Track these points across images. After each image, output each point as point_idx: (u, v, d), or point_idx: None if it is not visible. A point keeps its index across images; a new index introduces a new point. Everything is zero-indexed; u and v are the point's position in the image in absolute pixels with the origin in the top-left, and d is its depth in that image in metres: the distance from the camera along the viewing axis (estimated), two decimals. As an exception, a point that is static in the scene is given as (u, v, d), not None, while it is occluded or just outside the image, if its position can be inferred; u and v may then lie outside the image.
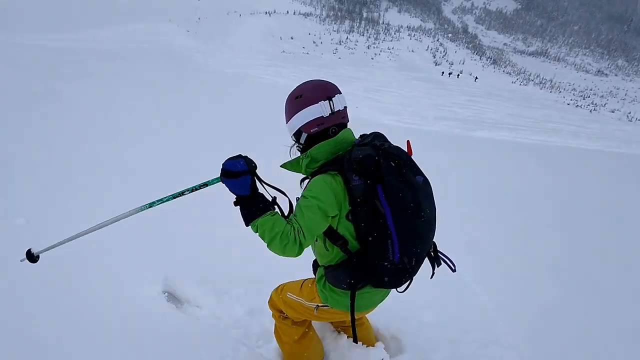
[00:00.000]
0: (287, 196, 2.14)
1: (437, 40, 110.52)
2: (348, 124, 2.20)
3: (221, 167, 1.89)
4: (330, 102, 2.03)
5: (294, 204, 2.07)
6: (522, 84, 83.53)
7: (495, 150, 14.54)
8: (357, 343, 2.78)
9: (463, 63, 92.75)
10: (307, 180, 2.11)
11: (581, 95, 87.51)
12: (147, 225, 3.97)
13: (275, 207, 1.98)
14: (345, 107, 2.15)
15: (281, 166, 2.14)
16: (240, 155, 1.95)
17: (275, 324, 2.79)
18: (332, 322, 3.10)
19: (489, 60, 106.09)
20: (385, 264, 1.94)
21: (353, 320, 2.32)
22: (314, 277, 2.43)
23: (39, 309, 2.97)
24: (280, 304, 2.62)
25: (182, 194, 2.07)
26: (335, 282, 2.15)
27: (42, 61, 17.56)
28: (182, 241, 4.36)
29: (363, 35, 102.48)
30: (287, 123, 2.13)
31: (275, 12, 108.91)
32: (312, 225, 1.89)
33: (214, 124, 10.91)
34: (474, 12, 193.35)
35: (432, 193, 2.07)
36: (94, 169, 6.06)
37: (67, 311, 3.00)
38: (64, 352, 2.61)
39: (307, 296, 2.41)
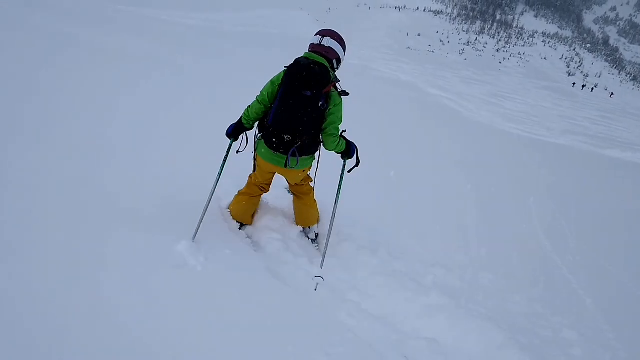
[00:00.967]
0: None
1: (574, 49, 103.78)
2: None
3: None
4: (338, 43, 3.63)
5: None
6: (665, 105, 76.43)
7: (628, 172, 13.61)
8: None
9: (599, 76, 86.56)
10: None
11: None
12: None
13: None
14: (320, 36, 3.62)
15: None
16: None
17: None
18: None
19: (628, 76, 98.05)
20: (267, 124, 3.44)
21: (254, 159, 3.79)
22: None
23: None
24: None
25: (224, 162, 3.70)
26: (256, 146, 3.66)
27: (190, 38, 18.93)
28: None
29: (494, 37, 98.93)
30: (344, 53, 3.70)
31: (405, 7, 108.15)
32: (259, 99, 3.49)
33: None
34: (617, 23, 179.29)
35: (307, 104, 3.29)
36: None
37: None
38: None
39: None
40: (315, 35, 3.60)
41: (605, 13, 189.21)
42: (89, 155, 4.29)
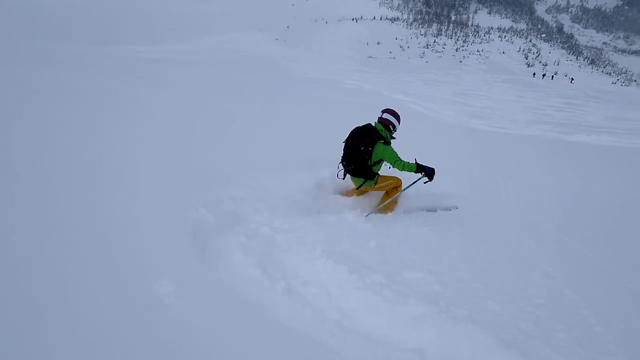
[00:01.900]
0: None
1: (530, 41, 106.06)
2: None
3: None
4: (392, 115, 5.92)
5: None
6: (623, 84, 78.53)
7: (594, 155, 13.86)
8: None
9: (558, 64, 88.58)
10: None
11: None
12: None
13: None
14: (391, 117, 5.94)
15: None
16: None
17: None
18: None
19: (586, 60, 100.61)
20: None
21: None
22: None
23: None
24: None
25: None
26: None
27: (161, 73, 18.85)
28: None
29: (451, 38, 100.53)
30: (398, 123, 5.95)
31: (362, 18, 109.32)
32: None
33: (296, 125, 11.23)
34: (569, 10, 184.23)
35: (356, 142, 5.70)
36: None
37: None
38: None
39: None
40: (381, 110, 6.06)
41: (557, 2, 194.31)
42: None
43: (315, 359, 3.02)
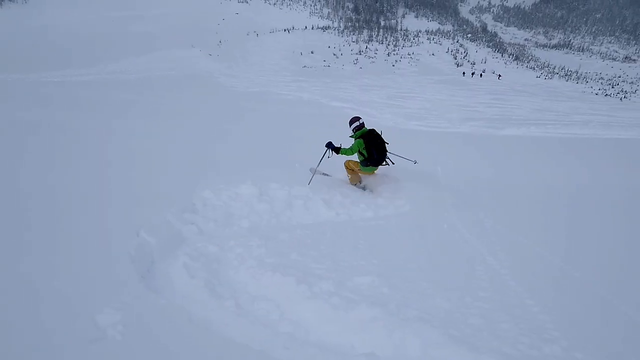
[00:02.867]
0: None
1: (457, 41, 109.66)
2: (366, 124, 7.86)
3: (327, 145, 7.76)
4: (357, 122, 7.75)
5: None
6: (546, 77, 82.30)
7: (525, 146, 14.46)
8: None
9: (485, 62, 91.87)
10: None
11: (609, 84, 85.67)
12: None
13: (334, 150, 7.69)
14: (361, 121, 7.81)
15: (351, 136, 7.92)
16: (329, 142, 7.76)
17: (346, 170, 8.27)
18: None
19: (511, 57, 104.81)
20: (371, 157, 7.57)
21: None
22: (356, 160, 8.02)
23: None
24: (348, 165, 8.17)
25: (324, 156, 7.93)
26: (363, 165, 7.80)
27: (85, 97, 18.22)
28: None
29: (382, 43, 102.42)
30: (350, 125, 7.87)
31: (293, 28, 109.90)
32: (355, 150, 7.55)
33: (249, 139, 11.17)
34: (491, 10, 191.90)
35: (382, 143, 7.65)
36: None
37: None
38: None
39: (354, 165, 8.06)
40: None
41: (479, 2, 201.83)
42: None
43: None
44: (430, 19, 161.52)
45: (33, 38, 71.02)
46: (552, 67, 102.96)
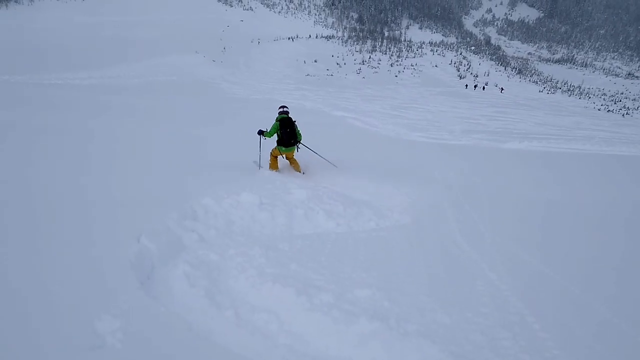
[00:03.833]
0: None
1: (460, 53, 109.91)
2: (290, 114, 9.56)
3: (259, 131, 9.49)
4: (282, 108, 9.61)
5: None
6: (549, 92, 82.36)
7: (526, 160, 14.45)
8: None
9: (488, 75, 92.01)
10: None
11: (612, 100, 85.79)
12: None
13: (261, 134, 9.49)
14: (286, 108, 9.61)
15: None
16: (260, 130, 9.45)
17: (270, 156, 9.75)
18: (285, 158, 9.91)
19: (514, 70, 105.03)
20: (282, 138, 9.24)
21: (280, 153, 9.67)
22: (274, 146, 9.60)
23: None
24: (272, 152, 9.70)
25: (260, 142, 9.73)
26: (277, 144, 9.42)
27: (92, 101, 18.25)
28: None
29: (385, 53, 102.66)
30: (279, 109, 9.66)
31: (297, 37, 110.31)
32: (273, 131, 9.28)
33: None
34: (495, 23, 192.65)
35: (292, 130, 9.25)
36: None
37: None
38: None
39: (275, 151, 9.61)
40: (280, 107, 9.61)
41: (483, 15, 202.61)
42: None
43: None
44: (434, 30, 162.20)
45: (37, 40, 71.20)
46: (555, 81, 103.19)
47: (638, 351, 3.67)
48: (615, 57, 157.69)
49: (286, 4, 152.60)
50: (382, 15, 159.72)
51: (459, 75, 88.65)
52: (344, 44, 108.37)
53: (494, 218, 7.23)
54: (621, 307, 4.26)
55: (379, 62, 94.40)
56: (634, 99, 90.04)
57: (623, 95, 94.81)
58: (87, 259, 4.15)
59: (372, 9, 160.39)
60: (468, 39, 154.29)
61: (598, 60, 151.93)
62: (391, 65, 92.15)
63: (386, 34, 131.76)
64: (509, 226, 6.91)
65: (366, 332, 3.56)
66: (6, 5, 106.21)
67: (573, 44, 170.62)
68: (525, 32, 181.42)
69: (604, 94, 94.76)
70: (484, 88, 70.62)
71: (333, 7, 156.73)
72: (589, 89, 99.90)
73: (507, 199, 8.76)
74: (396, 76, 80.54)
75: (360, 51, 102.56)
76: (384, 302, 4.06)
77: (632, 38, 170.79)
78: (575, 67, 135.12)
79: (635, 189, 10.45)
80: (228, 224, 6.05)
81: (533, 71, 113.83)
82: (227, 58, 78.70)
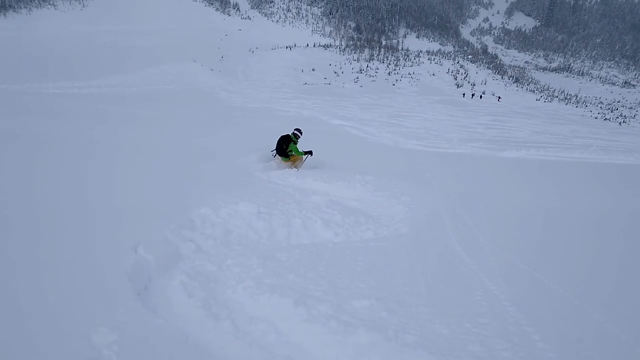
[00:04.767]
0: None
1: (458, 62, 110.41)
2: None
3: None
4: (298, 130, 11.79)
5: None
6: (546, 100, 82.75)
7: (524, 168, 14.47)
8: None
9: (485, 83, 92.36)
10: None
11: (609, 108, 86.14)
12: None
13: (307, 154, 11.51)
14: (295, 130, 11.78)
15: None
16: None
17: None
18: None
19: (511, 79, 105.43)
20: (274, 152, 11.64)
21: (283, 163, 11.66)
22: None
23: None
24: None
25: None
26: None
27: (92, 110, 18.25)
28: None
29: (383, 62, 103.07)
30: (300, 134, 11.81)
31: (295, 46, 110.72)
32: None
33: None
34: (492, 32, 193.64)
35: (281, 146, 11.40)
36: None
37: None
38: None
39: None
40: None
41: (480, 24, 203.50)
42: None
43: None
44: (431, 39, 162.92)
45: (35, 49, 71.34)
46: (552, 90, 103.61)
47: (638, 362, 3.66)
48: (612, 65, 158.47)
49: (284, 13, 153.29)
50: (379, 24, 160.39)
51: (456, 84, 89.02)
52: (342, 53, 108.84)
53: (492, 227, 7.22)
54: (621, 317, 4.24)
55: (377, 70, 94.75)
56: (631, 107, 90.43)
57: (620, 104, 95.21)
58: (83, 270, 4.12)
59: (370, 18, 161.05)
60: (465, 47, 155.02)
61: (594, 68, 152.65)
62: (389, 73, 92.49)
63: (383, 42, 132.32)
64: (507, 235, 6.90)
65: (364, 343, 3.54)
66: (4, 15, 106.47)
67: (569, 53, 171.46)
68: (522, 40, 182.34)
69: (601, 102, 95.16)
70: (481, 97, 70.90)
71: (331, 16, 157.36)
72: (585, 97, 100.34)
73: (506, 208, 8.75)
74: (394, 85, 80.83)
75: (358, 60, 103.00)
76: (382, 313, 4.04)
77: (628, 47, 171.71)
78: (572, 75, 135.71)
79: (633, 198, 10.46)
80: (226, 233, 6.04)
81: (530, 80, 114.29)
82: (225, 67, 78.94)
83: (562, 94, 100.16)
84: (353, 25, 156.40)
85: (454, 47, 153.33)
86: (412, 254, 5.82)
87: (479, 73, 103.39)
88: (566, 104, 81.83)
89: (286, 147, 11.33)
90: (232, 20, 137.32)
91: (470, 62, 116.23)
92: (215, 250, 5.50)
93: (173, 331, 3.60)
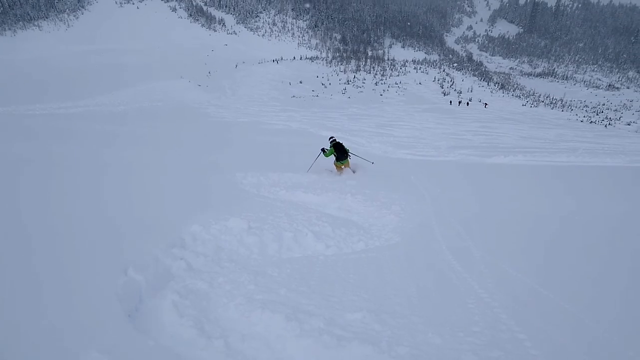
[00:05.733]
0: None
1: (443, 70, 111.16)
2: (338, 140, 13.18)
3: (322, 148, 13.28)
4: (332, 138, 13.30)
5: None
6: (532, 105, 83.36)
7: (512, 174, 14.56)
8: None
9: (471, 90, 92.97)
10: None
11: (594, 111, 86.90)
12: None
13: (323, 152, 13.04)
14: (334, 138, 13.29)
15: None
16: (324, 149, 13.11)
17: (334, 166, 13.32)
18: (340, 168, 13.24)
19: (497, 85, 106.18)
20: (338, 156, 12.91)
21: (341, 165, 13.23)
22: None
23: None
24: (334, 164, 13.32)
25: (319, 155, 13.18)
26: (336, 160, 13.11)
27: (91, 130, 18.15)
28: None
29: (370, 73, 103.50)
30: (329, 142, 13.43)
31: (282, 59, 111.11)
32: (330, 153, 12.79)
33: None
34: (476, 40, 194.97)
35: (343, 150, 12.94)
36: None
37: None
38: None
39: (334, 164, 13.28)
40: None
41: (464, 32, 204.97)
42: None
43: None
44: (416, 48, 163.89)
45: (20, 70, 71.05)
46: (537, 95, 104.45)
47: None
48: (595, 69, 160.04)
49: (270, 27, 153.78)
50: (364, 35, 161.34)
51: (443, 92, 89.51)
52: (329, 65, 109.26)
53: (483, 234, 7.25)
54: (611, 321, 4.26)
55: (364, 81, 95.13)
56: (616, 110, 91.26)
57: (605, 107, 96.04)
58: (73, 292, 4.08)
59: (355, 29, 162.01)
60: (450, 55, 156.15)
61: (578, 72, 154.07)
62: (376, 84, 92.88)
63: (369, 53, 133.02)
64: (497, 242, 6.92)
65: (358, 356, 3.53)
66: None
67: (553, 58, 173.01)
68: (506, 47, 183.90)
69: (586, 106, 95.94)
70: (468, 104, 71.38)
71: (316, 28, 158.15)
72: (571, 101, 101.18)
73: (495, 215, 8.79)
74: (381, 95, 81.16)
75: (345, 71, 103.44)
76: (374, 325, 4.04)
77: (610, 50, 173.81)
78: (557, 80, 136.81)
79: (621, 202, 10.52)
80: (217, 250, 6.01)
81: (515, 85, 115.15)
82: (213, 82, 78.97)
83: (548, 98, 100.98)
84: (339, 37, 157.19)
85: (439, 55, 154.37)
86: (404, 264, 5.83)
87: (465, 80, 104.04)
88: (552, 109, 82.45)
89: (343, 151, 12.93)
90: (218, 36, 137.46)
91: (456, 70, 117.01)
92: (206, 267, 5.47)
93: (165, 352, 3.57)
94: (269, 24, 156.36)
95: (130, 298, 4.31)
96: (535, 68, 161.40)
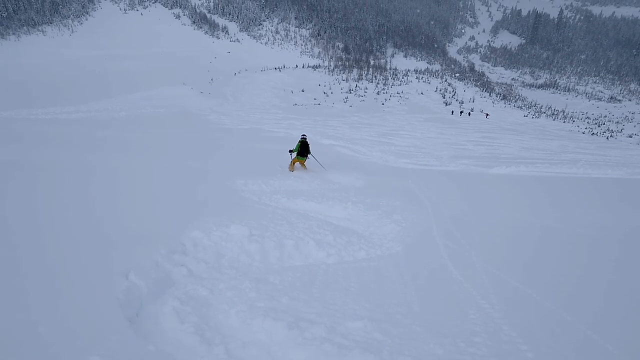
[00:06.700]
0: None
1: (445, 80, 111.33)
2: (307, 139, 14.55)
3: (290, 150, 14.66)
4: (304, 135, 14.74)
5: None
6: (534, 116, 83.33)
7: (514, 185, 14.54)
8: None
9: (473, 101, 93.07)
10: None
11: (596, 123, 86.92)
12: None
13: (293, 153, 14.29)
14: (305, 136, 14.76)
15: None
16: (291, 150, 14.42)
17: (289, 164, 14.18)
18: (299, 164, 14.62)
19: (498, 96, 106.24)
20: (300, 151, 14.15)
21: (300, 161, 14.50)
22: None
23: None
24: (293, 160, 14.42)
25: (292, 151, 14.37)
26: (297, 155, 14.25)
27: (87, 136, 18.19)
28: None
29: (372, 82, 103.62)
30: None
31: (284, 67, 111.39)
32: (297, 148, 14.16)
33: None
34: (478, 50, 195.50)
35: (307, 148, 14.34)
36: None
37: None
38: None
39: (295, 159, 14.40)
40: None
41: (466, 43, 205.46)
42: None
43: None
44: (419, 58, 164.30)
45: (23, 75, 71.30)
46: (539, 106, 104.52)
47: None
48: (597, 81, 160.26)
49: (272, 35, 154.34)
50: (367, 44, 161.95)
51: (444, 102, 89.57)
52: (331, 73, 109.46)
53: (484, 245, 7.23)
54: (614, 333, 4.24)
55: (366, 90, 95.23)
56: (617, 122, 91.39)
57: (607, 118, 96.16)
58: (74, 297, 4.07)
59: (358, 39, 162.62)
60: (452, 66, 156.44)
61: (580, 84, 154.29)
62: (377, 93, 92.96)
63: (372, 62, 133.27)
64: (499, 252, 6.91)
65: (358, 365, 3.51)
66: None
67: (555, 69, 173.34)
68: (508, 58, 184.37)
69: (588, 118, 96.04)
70: (469, 114, 71.43)
71: (319, 37, 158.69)
72: (572, 112, 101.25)
73: (496, 225, 8.78)
74: (383, 104, 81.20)
75: (347, 80, 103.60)
76: (376, 334, 4.02)
77: (612, 62, 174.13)
78: (559, 91, 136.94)
79: (632, 213, 10.48)
80: (217, 257, 6.00)
81: (517, 96, 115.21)
82: (215, 89, 79.13)
83: (550, 109, 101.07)
84: (341, 45, 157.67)
85: (441, 65, 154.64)
86: (405, 273, 5.82)
87: (466, 91, 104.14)
88: (553, 120, 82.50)
89: (307, 148, 14.25)
90: (221, 43, 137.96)
91: (458, 80, 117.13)
92: (207, 274, 5.46)
93: (165, 358, 3.56)
94: (272, 32, 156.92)
95: (131, 303, 4.30)
96: (537, 79, 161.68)
